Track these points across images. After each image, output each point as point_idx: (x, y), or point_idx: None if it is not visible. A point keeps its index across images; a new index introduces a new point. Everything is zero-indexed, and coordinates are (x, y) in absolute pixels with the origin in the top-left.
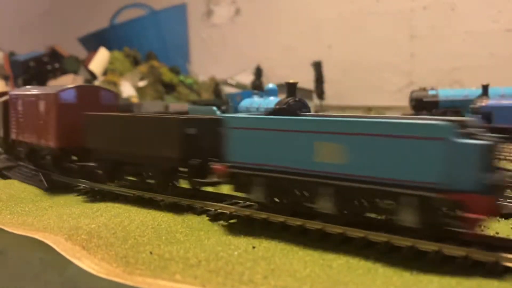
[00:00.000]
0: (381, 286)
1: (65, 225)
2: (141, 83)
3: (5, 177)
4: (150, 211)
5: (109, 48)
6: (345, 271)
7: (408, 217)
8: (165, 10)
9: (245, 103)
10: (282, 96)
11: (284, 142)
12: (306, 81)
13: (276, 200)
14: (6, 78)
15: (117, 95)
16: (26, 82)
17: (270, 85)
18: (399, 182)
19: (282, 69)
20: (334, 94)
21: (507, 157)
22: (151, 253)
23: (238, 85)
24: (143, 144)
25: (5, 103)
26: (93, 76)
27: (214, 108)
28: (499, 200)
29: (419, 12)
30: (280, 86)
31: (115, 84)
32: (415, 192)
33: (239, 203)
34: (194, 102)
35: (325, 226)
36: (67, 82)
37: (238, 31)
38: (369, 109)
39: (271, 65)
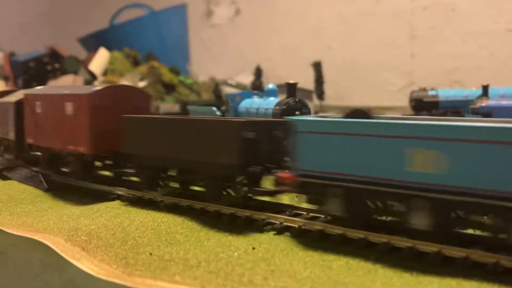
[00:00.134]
0: (381, 287)
1: (65, 226)
2: (141, 84)
3: (5, 178)
4: (150, 212)
5: (109, 48)
6: (345, 272)
7: None
8: (165, 11)
9: (245, 103)
10: (282, 97)
11: (368, 149)
12: (306, 81)
13: (352, 212)
14: (6, 79)
15: (149, 95)
16: (26, 83)
17: (270, 86)
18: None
19: (282, 69)
20: (334, 95)
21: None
22: (151, 254)
23: (238, 86)
24: (193, 149)
25: (19, 104)
26: (93, 76)
27: (214, 108)
28: None
29: (419, 12)
30: (280, 86)
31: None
32: None
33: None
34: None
35: (325, 227)
36: (67, 82)
37: (238, 31)
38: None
39: (271, 65)
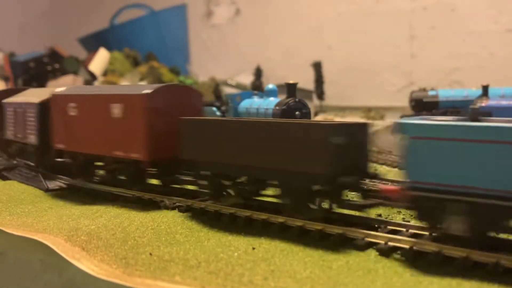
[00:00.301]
0: (381, 287)
1: (65, 226)
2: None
3: (5, 178)
4: (149, 212)
5: (109, 48)
6: (345, 272)
7: None
8: (165, 11)
9: (245, 103)
10: (282, 97)
11: (508, 159)
12: (306, 81)
13: (479, 232)
14: (6, 79)
15: (201, 94)
16: (26, 83)
17: (270, 86)
18: None
19: (282, 69)
20: (334, 95)
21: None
22: (150, 254)
23: (238, 86)
24: (270, 156)
25: (43, 105)
26: (93, 76)
27: (214, 108)
28: None
29: (419, 12)
30: (280, 86)
31: (115, 84)
32: None
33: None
34: None
35: (325, 226)
36: (67, 82)
37: (238, 31)
38: (369, 109)
39: (271, 65)
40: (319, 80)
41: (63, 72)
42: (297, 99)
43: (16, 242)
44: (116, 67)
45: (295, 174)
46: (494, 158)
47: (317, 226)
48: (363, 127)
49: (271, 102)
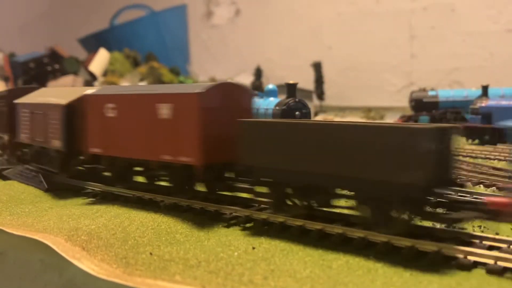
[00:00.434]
0: (381, 287)
1: (65, 226)
2: (141, 84)
3: (5, 178)
4: (150, 212)
5: (109, 49)
6: (345, 271)
7: None
8: (165, 11)
9: None
10: (282, 97)
11: None
12: (306, 82)
13: None
14: (6, 79)
15: (252, 94)
16: (26, 83)
17: (270, 86)
18: None
19: (282, 70)
20: (334, 95)
21: (507, 158)
22: (151, 254)
23: None
24: (347, 162)
25: (71, 107)
26: (93, 77)
27: None
28: None
29: (419, 12)
30: (280, 87)
31: (115, 85)
32: None
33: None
34: None
35: (325, 226)
36: (67, 83)
37: (238, 32)
38: (369, 110)
39: (271, 65)
40: (319, 80)
41: (63, 72)
42: (297, 99)
43: (16, 242)
44: (116, 68)
45: (383, 184)
46: None
47: (317, 226)
48: (449, 131)
49: (271, 102)
